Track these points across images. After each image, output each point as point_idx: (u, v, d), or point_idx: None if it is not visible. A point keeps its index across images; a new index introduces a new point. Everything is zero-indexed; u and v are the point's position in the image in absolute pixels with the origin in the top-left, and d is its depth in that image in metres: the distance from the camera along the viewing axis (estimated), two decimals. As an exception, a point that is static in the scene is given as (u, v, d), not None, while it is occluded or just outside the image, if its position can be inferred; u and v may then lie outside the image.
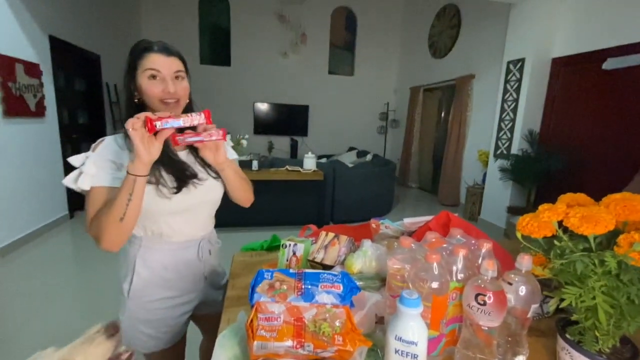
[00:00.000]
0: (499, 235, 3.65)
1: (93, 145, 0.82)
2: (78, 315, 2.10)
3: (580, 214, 0.56)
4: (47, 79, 3.37)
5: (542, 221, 0.61)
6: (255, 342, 0.53)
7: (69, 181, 0.80)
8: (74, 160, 0.80)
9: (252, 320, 0.57)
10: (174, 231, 0.89)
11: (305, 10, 6.27)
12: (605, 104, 3.01)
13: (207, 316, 1.07)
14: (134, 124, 0.68)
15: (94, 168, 0.78)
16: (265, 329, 0.55)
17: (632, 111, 2.79)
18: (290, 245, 0.86)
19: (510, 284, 0.64)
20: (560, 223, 0.62)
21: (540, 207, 0.63)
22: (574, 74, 3.26)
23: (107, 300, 2.20)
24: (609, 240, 0.60)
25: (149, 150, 0.71)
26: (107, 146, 0.82)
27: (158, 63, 0.79)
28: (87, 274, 2.64)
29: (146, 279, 0.90)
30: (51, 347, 0.52)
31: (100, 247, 0.77)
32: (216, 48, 6.31)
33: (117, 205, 0.72)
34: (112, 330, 0.56)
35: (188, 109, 0.88)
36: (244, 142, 3.38)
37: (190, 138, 0.76)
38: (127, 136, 0.80)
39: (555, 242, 0.61)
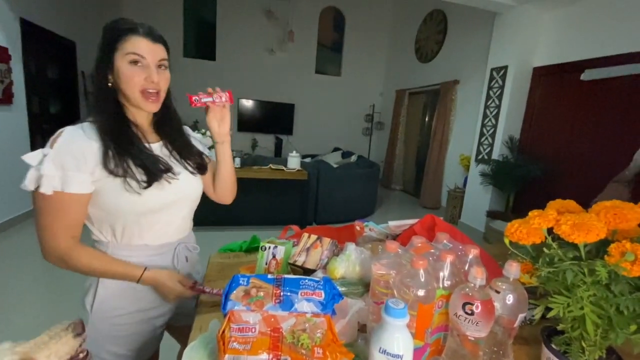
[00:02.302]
0: (477, 239, 3.71)
1: (51, 138, 0.70)
2: (50, 311, 1.99)
3: (572, 221, 0.54)
4: (17, 65, 3.16)
5: (532, 228, 0.59)
6: (226, 356, 0.48)
7: (31, 183, 0.68)
8: (29, 158, 0.68)
9: (223, 331, 0.52)
10: (146, 233, 0.80)
11: (294, 7, 6.21)
12: (582, 114, 3.11)
13: (183, 327, 0.97)
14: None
15: (53, 169, 0.67)
16: (238, 341, 0.50)
17: (608, 122, 2.89)
18: (269, 247, 0.81)
19: (497, 292, 0.61)
20: (549, 230, 0.60)
21: (530, 213, 0.61)
22: (554, 84, 3.36)
23: (75, 298, 2.07)
24: (598, 249, 0.59)
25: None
26: (68, 141, 0.70)
27: (143, 48, 0.72)
28: (55, 271, 2.49)
29: (112, 292, 0.80)
30: (6, 341, 0.48)
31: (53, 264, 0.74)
32: (201, 41, 6.14)
33: (105, 274, 0.76)
34: (79, 329, 0.55)
35: (166, 101, 0.83)
36: (227, 138, 3.29)
37: (205, 99, 0.83)
38: (99, 128, 0.73)
39: (544, 249, 0.59)
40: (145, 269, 0.78)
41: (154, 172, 0.76)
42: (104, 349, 0.81)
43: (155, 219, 0.80)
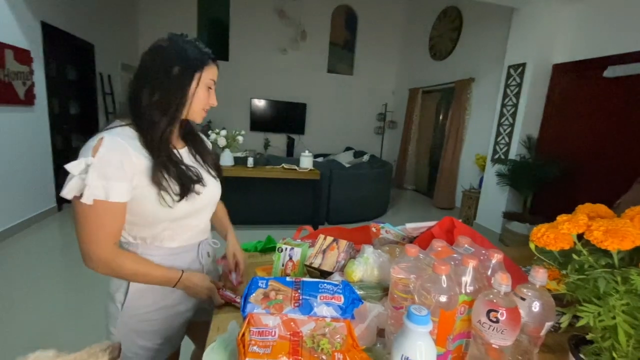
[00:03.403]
0: (494, 241, 3.63)
1: (91, 145, 0.69)
2: (63, 311, 2.03)
3: (605, 227, 0.51)
4: (38, 67, 3.27)
5: (561, 233, 0.57)
6: (246, 360, 0.48)
7: (71, 192, 0.68)
8: (73, 167, 0.68)
9: (243, 334, 0.51)
10: (174, 236, 0.83)
11: (306, 7, 6.20)
12: (604, 113, 3.00)
13: (199, 323, 0.98)
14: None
15: (96, 178, 0.67)
16: (258, 345, 0.50)
17: (632, 120, 2.78)
18: (286, 249, 0.81)
19: (523, 299, 0.59)
20: (579, 235, 0.58)
21: (559, 218, 0.59)
22: (575, 81, 3.25)
23: (93, 295, 2.13)
24: (631, 256, 0.56)
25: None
26: (110, 150, 0.69)
27: (215, 76, 0.82)
28: (74, 268, 2.55)
29: (143, 289, 0.82)
30: (52, 349, 0.52)
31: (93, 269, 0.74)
32: (214, 42, 6.21)
33: (146, 279, 0.78)
34: (116, 352, 0.58)
35: None
36: (240, 138, 3.31)
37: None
38: (145, 138, 0.75)
39: (574, 256, 0.57)
40: (183, 272, 0.81)
41: (187, 185, 0.78)
42: (134, 343, 0.84)
43: (185, 224, 0.83)
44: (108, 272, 0.75)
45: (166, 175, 0.75)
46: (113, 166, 0.69)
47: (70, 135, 4.04)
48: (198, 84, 0.77)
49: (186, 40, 0.78)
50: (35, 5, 3.19)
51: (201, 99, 0.79)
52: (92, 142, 0.70)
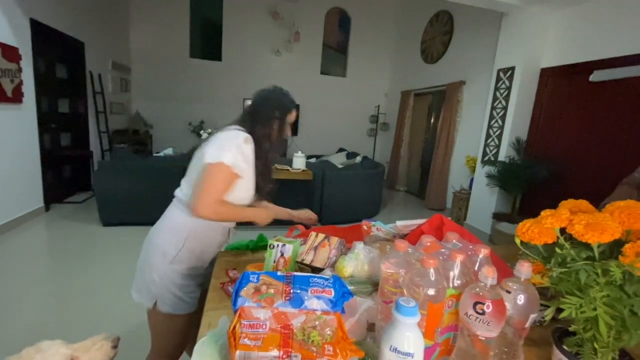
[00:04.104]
0: (483, 241, 3.67)
1: (242, 137, 1.03)
2: (51, 310, 2.00)
3: (585, 221, 0.53)
4: (26, 64, 3.21)
5: (544, 227, 0.59)
6: (237, 352, 0.48)
7: (226, 159, 0.98)
8: (244, 145, 1.04)
9: (234, 327, 0.52)
10: None
11: (300, 8, 6.22)
12: (591, 115, 3.07)
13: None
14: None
15: (242, 158, 1.02)
16: (249, 337, 0.50)
17: (617, 123, 2.86)
18: (278, 245, 0.81)
19: (508, 292, 0.61)
20: (562, 230, 0.60)
21: (543, 213, 0.60)
22: (562, 85, 3.33)
23: (81, 295, 2.10)
24: (611, 249, 0.58)
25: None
26: (250, 144, 1.05)
27: (295, 116, 1.19)
28: (62, 268, 2.51)
29: (192, 249, 1.06)
30: (59, 339, 0.58)
31: (199, 216, 1.00)
32: (207, 42, 6.17)
33: (242, 215, 1.11)
34: (116, 342, 0.64)
35: None
36: (233, 138, 3.30)
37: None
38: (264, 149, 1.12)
39: (557, 249, 0.59)
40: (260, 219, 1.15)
41: (261, 190, 1.16)
42: (172, 293, 1.06)
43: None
44: (212, 215, 1.00)
45: (258, 179, 1.10)
46: (247, 154, 1.04)
47: (59, 134, 3.97)
48: (286, 119, 1.14)
49: (283, 92, 1.17)
50: (24, 2, 3.14)
51: (288, 131, 1.17)
52: (242, 135, 1.04)
